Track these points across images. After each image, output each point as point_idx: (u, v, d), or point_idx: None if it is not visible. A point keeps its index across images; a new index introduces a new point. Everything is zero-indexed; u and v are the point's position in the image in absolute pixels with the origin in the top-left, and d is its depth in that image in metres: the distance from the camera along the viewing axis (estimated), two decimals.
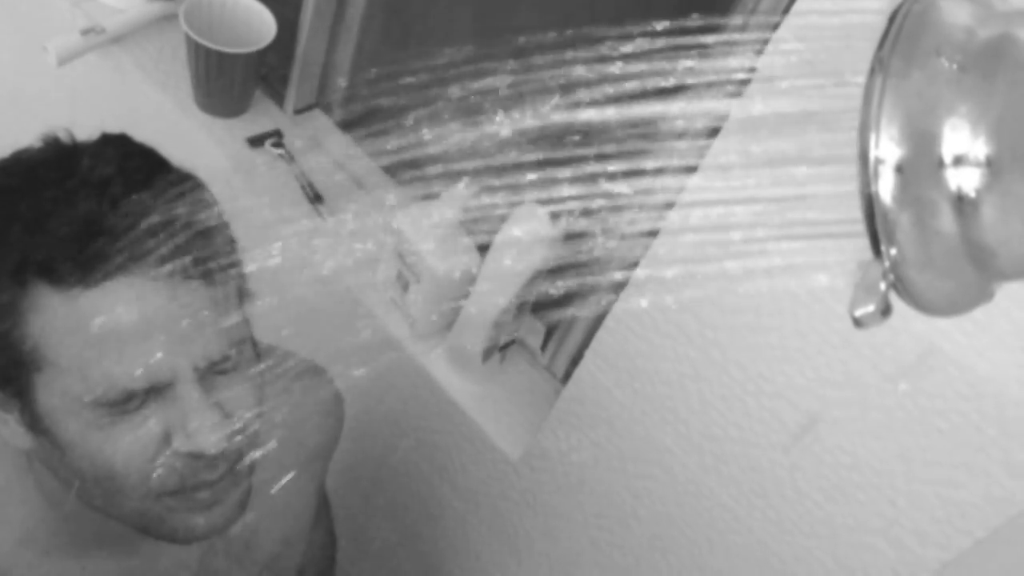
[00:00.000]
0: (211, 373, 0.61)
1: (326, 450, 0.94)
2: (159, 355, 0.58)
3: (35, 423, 0.61)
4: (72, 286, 0.56)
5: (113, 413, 0.59)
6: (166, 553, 0.76)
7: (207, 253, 0.60)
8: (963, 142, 0.35)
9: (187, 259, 0.59)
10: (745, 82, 0.41)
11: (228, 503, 0.67)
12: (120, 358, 0.57)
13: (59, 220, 0.57)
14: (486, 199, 0.46)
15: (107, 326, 0.57)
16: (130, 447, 0.60)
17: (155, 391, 0.59)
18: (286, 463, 0.86)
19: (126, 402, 0.59)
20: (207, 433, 0.60)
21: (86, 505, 0.67)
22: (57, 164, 0.60)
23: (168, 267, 0.58)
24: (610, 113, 0.43)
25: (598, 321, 0.98)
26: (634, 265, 0.79)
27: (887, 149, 0.35)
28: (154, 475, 0.62)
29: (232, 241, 0.64)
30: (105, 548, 0.72)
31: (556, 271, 1.05)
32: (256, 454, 0.68)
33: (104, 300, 0.57)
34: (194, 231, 0.59)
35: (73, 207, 0.57)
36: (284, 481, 0.86)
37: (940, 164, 0.35)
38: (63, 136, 0.63)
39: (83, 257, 0.56)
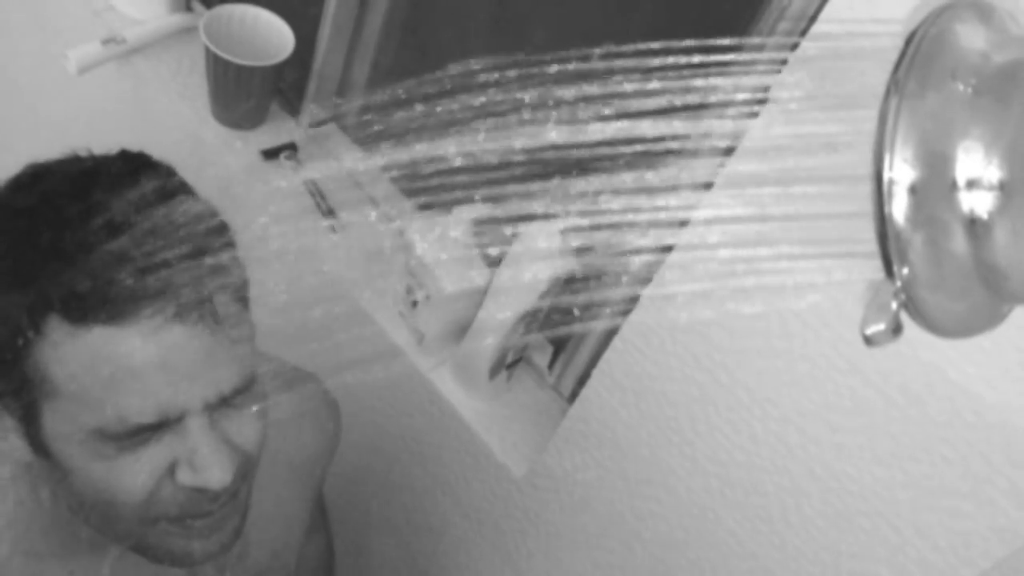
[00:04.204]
0: (220, 406, 0.61)
1: (321, 459, 0.93)
2: (171, 392, 0.58)
3: (39, 445, 0.61)
4: (88, 323, 0.56)
5: (120, 446, 0.59)
6: None
7: (225, 294, 0.60)
8: (976, 165, 0.35)
9: (205, 299, 0.58)
10: (762, 102, 0.41)
11: (226, 530, 0.67)
12: (132, 394, 0.57)
13: (79, 257, 0.56)
14: (497, 215, 0.46)
15: (120, 363, 0.56)
16: (133, 478, 0.60)
17: (164, 425, 0.59)
18: (279, 472, 0.86)
19: (134, 435, 0.59)
20: (214, 469, 0.60)
21: (83, 523, 0.67)
22: (77, 192, 0.59)
23: (186, 307, 0.57)
24: (625, 130, 0.43)
25: (606, 341, 0.98)
26: (644, 282, 0.79)
27: (901, 170, 0.35)
28: (155, 506, 0.62)
29: (246, 280, 0.64)
30: (94, 553, 0.72)
31: (566, 288, 1.05)
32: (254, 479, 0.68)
33: (119, 337, 0.56)
34: (213, 272, 0.59)
35: (94, 244, 0.56)
36: (277, 490, 0.85)
37: (953, 186, 0.35)
38: (83, 155, 0.62)
39: (102, 297, 0.55)
